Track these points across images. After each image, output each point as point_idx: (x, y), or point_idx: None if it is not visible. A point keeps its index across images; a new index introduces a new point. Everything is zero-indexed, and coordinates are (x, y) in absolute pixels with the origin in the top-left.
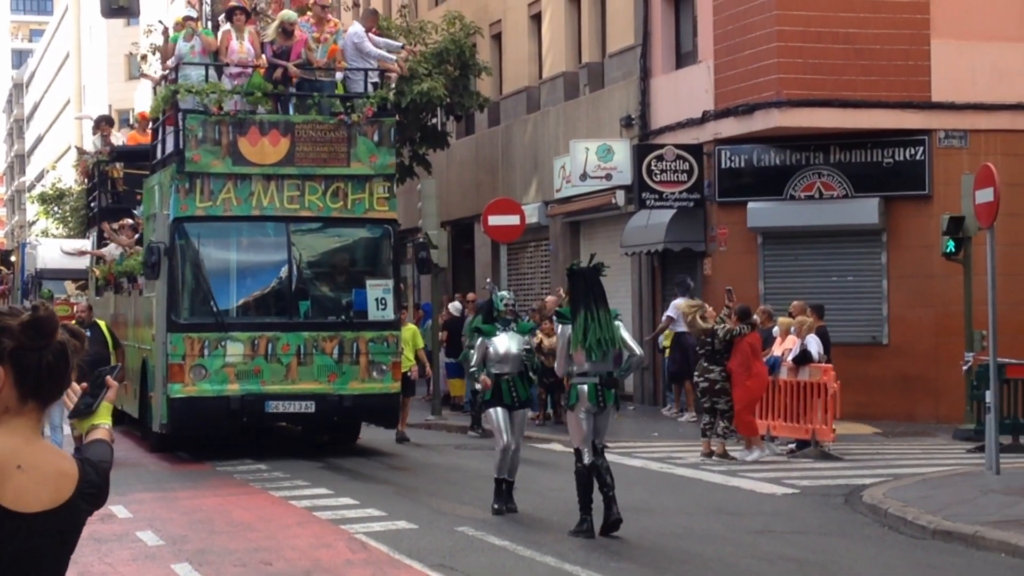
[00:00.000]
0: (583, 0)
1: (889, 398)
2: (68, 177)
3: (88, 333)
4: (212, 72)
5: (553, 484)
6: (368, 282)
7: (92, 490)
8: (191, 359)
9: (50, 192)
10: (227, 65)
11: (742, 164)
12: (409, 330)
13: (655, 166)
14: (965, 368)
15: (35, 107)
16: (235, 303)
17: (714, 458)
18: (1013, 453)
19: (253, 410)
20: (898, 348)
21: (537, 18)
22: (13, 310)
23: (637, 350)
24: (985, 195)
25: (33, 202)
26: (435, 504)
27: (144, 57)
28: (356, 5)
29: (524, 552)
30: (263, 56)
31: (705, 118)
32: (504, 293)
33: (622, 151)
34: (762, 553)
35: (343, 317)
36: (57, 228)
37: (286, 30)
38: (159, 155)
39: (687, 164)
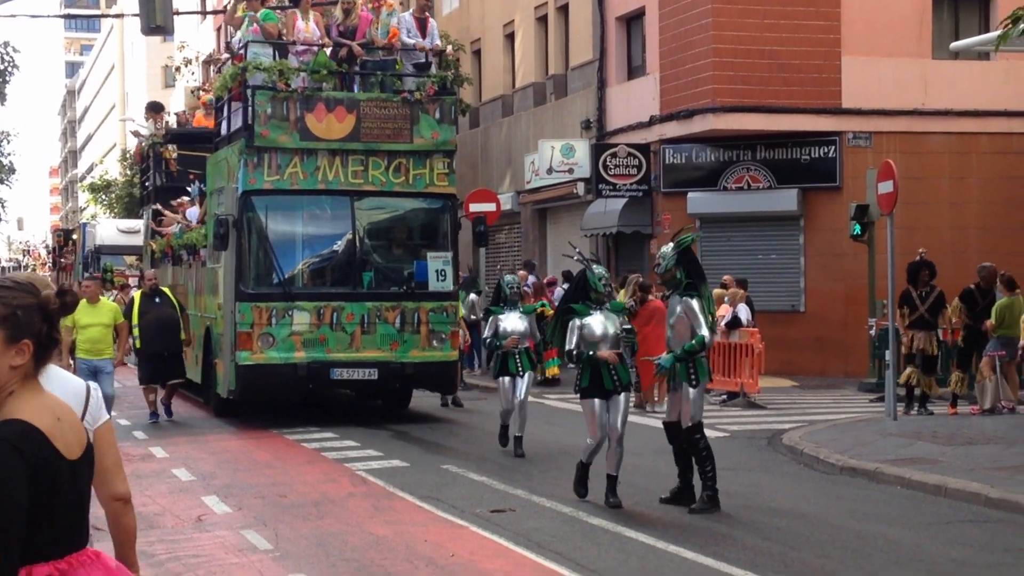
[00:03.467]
0: (549, 22)
1: (805, 357)
2: (113, 170)
3: (157, 300)
4: (277, 53)
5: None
6: (428, 254)
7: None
8: (259, 327)
9: (98, 182)
10: (293, 44)
11: (683, 160)
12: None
13: (610, 162)
14: (870, 331)
15: (85, 111)
16: (301, 274)
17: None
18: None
19: (319, 377)
20: (813, 315)
21: (511, 37)
22: (24, 285)
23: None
24: (886, 187)
25: (84, 191)
26: (424, 446)
27: (178, 68)
28: None
29: (499, 486)
30: (327, 37)
31: (652, 121)
32: (601, 270)
33: (582, 149)
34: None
35: (404, 288)
36: (104, 213)
37: (345, 9)
38: (224, 132)
39: (637, 160)
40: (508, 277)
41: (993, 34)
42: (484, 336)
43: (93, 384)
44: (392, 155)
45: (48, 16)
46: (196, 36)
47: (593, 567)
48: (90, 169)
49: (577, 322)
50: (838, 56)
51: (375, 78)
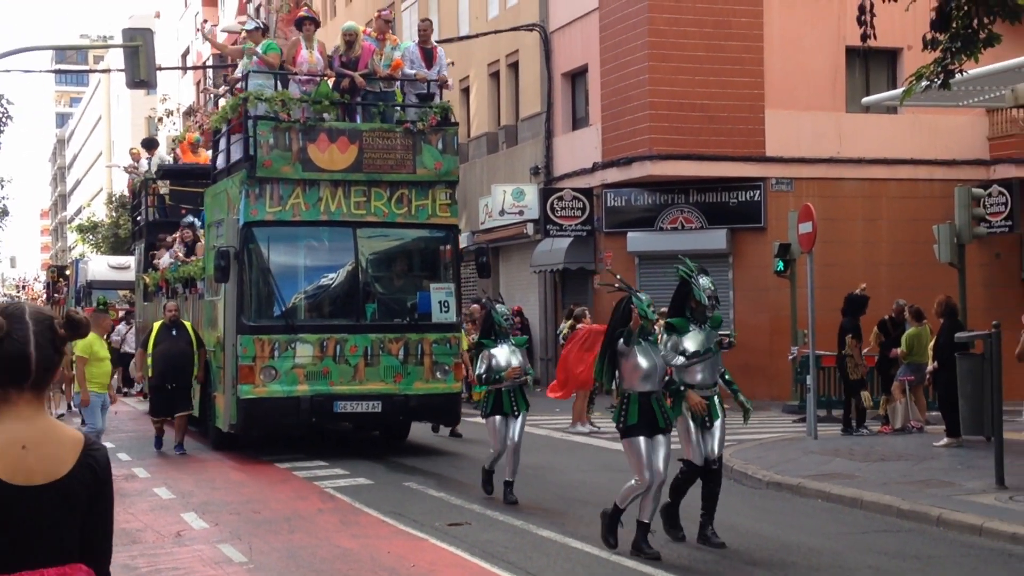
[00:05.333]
0: (501, 77)
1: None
2: (100, 212)
3: (174, 332)
4: (279, 83)
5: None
6: (432, 286)
7: (100, 457)
8: (261, 360)
9: (86, 224)
10: (295, 74)
11: (623, 203)
12: None
13: (557, 204)
14: (792, 358)
15: (74, 158)
16: (304, 306)
17: (585, 426)
18: (827, 423)
19: (322, 410)
20: (741, 344)
21: (466, 91)
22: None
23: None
24: (806, 227)
25: (72, 231)
26: (388, 465)
27: (160, 119)
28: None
29: (456, 501)
30: (330, 68)
31: (595, 168)
32: (647, 297)
33: (531, 193)
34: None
35: (408, 319)
36: (91, 251)
37: (348, 41)
38: (223, 164)
39: (581, 203)
40: (501, 307)
41: (899, 90)
42: (477, 372)
43: None
44: (394, 186)
45: (40, 71)
46: (177, 89)
47: None
48: (78, 211)
49: (622, 348)
50: (761, 109)
51: (376, 108)
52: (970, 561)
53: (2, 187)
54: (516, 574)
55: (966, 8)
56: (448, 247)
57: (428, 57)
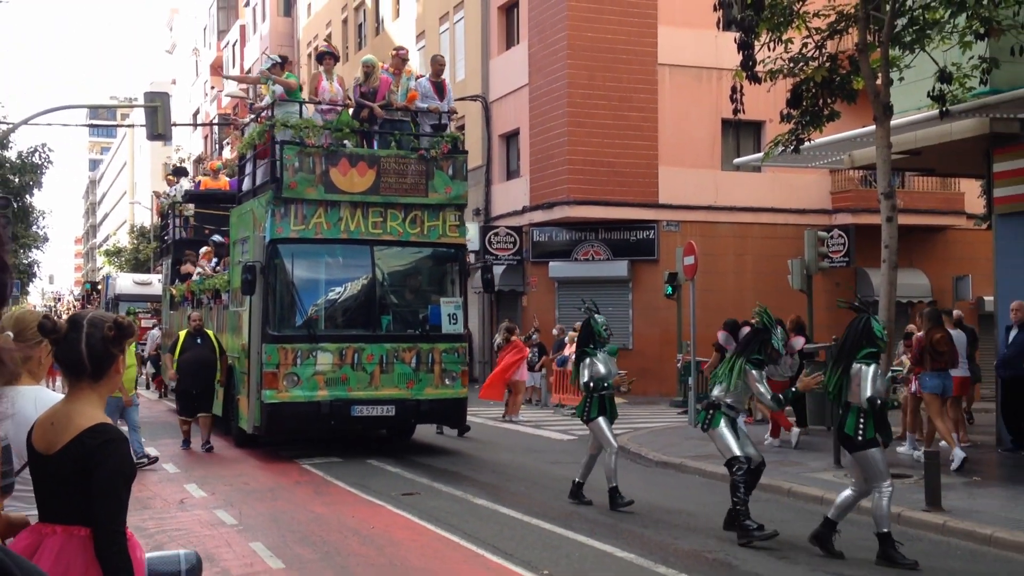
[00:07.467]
0: None
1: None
2: (124, 240)
3: (199, 340)
4: (304, 110)
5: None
6: (442, 300)
7: (90, 442)
8: (284, 367)
9: (112, 249)
10: (318, 103)
11: (546, 238)
12: None
13: (493, 239)
14: (677, 363)
15: (103, 196)
16: (324, 317)
17: (517, 417)
18: None
19: (340, 414)
20: (639, 351)
21: None
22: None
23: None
24: (689, 260)
25: (101, 255)
26: (355, 445)
27: (175, 165)
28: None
29: (408, 475)
30: (350, 97)
31: (524, 210)
32: (880, 321)
33: (474, 229)
34: (552, 475)
35: (420, 330)
36: (116, 271)
37: (366, 72)
38: (248, 186)
39: (513, 238)
40: (599, 317)
41: (761, 154)
42: (583, 380)
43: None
44: (409, 208)
45: (77, 125)
46: (189, 142)
47: (477, 536)
48: (106, 239)
49: (875, 369)
50: (656, 166)
51: (393, 136)
52: (812, 524)
53: (43, 218)
54: (456, 534)
55: (814, 91)
56: (456, 264)
57: (439, 89)
